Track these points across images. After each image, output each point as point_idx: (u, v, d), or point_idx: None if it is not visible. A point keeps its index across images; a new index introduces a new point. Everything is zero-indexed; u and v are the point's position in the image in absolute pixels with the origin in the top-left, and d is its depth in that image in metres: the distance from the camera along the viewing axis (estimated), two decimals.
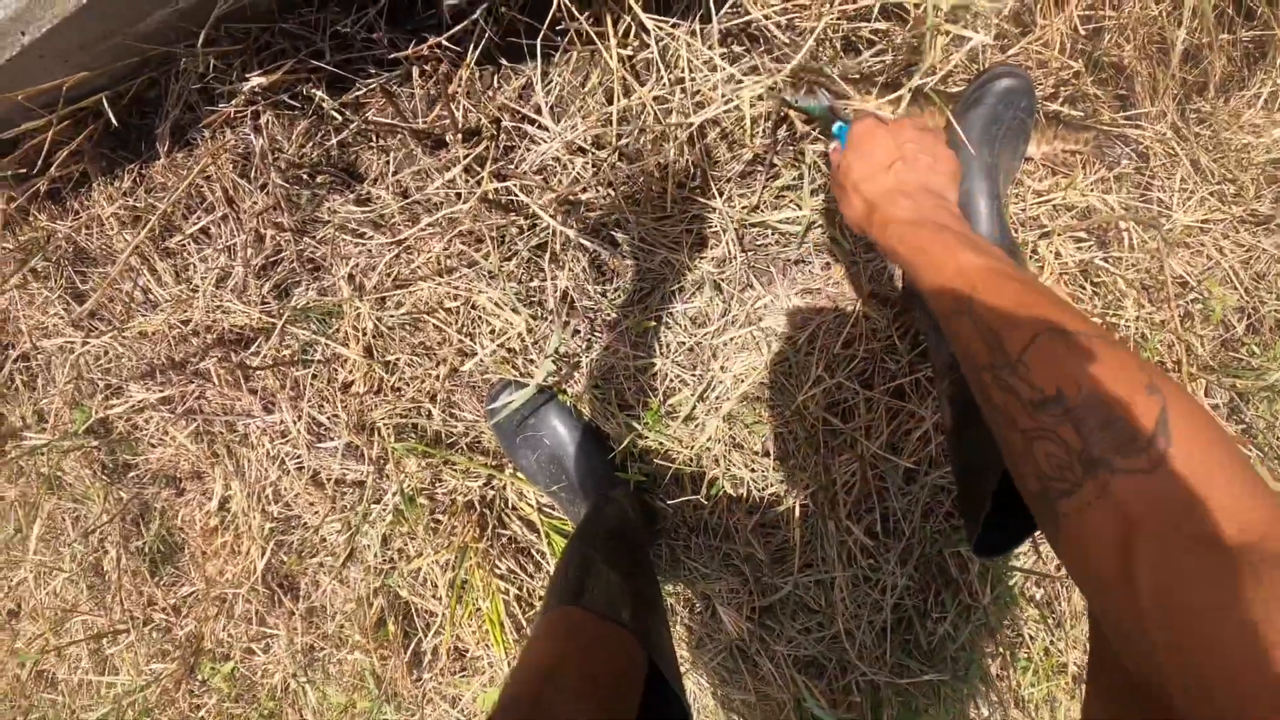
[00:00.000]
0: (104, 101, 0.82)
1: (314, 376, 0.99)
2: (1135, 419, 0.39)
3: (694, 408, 0.95)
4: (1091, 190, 0.92)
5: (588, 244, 0.87)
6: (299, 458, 1.03)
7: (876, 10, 0.81)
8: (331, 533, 1.03)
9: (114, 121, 0.83)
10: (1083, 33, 0.88)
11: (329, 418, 1.00)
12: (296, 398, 1.01)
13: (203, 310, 1.00)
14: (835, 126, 0.76)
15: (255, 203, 0.92)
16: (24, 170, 0.94)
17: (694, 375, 0.95)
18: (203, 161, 0.90)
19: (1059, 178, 0.93)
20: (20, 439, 1.21)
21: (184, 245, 1.01)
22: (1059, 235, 0.93)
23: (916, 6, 0.77)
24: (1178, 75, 0.91)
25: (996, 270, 0.52)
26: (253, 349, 1.01)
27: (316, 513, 1.03)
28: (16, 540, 1.32)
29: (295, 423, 1.00)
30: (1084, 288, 0.97)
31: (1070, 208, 0.93)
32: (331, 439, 1.00)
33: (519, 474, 0.98)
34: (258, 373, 1.02)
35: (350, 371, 0.98)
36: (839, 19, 0.82)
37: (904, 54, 0.83)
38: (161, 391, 1.07)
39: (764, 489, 0.98)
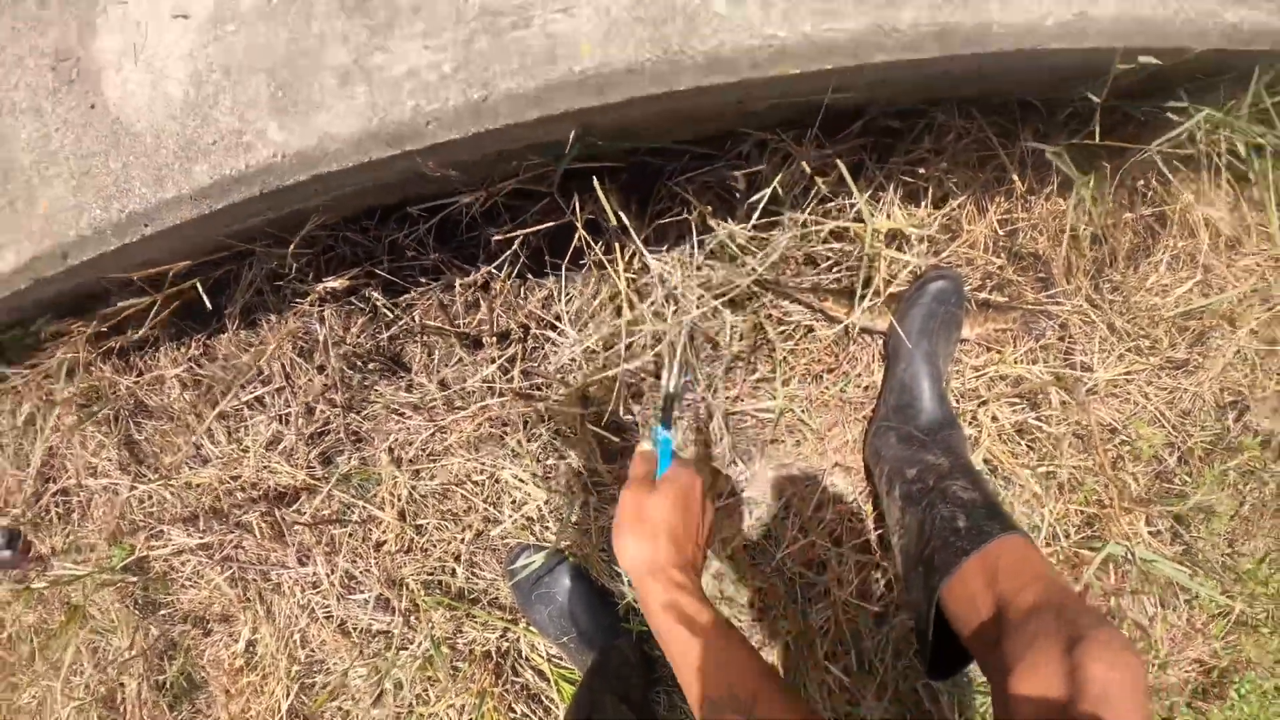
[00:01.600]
0: (198, 286, 0.97)
1: (350, 535, 1.13)
2: None
3: None
4: (1019, 362, 1.13)
5: (596, 430, 1.04)
6: (329, 607, 1.15)
7: (827, 231, 1.01)
8: (356, 677, 1.14)
9: (208, 305, 0.97)
10: (1001, 233, 1.10)
11: (361, 572, 1.12)
12: (332, 553, 1.14)
13: (252, 469, 1.13)
14: (659, 433, 0.76)
15: (312, 381, 1.07)
16: (104, 330, 1.08)
17: None
18: (271, 346, 1.05)
19: (992, 353, 1.14)
20: (49, 567, 1.30)
21: (239, 410, 1.15)
22: (995, 402, 1.13)
23: (859, 235, 0.97)
24: (1088, 255, 1.13)
25: (770, 679, 0.61)
26: (295, 507, 1.14)
27: (342, 658, 1.15)
28: (26, 664, 1.39)
29: (329, 575, 1.12)
30: (1020, 444, 1.17)
31: (1004, 377, 1.14)
32: (362, 591, 1.12)
33: (532, 627, 1.12)
34: (296, 528, 1.14)
35: (384, 532, 1.11)
36: (800, 241, 1.01)
37: (855, 269, 1.02)
38: (202, 538, 1.19)
39: (750, 637, 1.13)
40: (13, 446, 1.29)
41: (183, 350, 1.16)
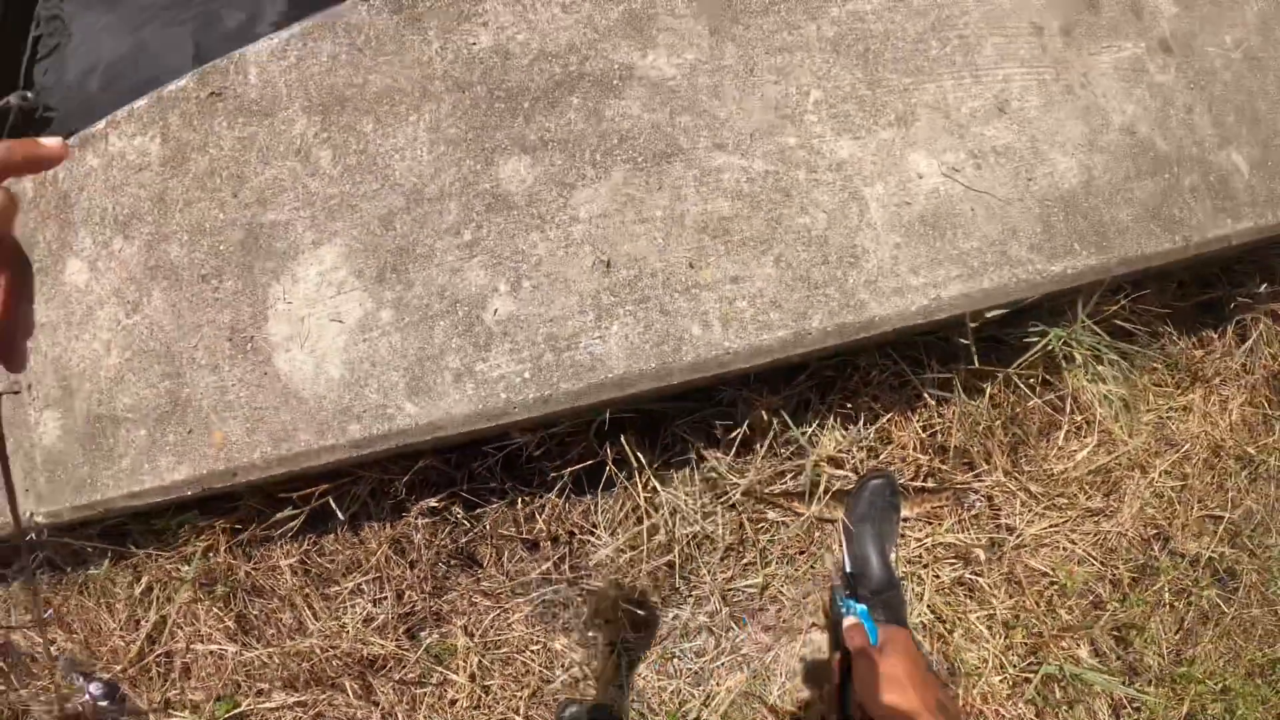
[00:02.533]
0: (331, 501, 1.32)
1: (429, 694, 1.40)
2: None
3: (700, 712, 1.36)
4: (952, 531, 1.43)
5: (627, 607, 1.34)
6: None
7: (789, 453, 1.36)
8: None
9: (340, 516, 1.31)
10: (924, 435, 1.43)
11: None
12: (412, 710, 1.40)
13: (350, 640, 1.43)
14: (855, 605, 1.13)
15: (405, 573, 1.40)
16: (239, 526, 1.42)
17: (699, 690, 1.38)
18: (374, 545, 1.39)
19: (931, 526, 1.44)
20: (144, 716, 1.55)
21: (340, 594, 1.46)
22: (935, 564, 1.42)
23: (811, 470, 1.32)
24: (1003, 439, 1.45)
25: None
26: (384, 672, 1.42)
27: None
28: None
29: None
30: (959, 595, 1.44)
31: (941, 544, 1.43)
32: None
33: None
34: (382, 690, 1.42)
35: (456, 692, 1.39)
36: (772, 461, 1.36)
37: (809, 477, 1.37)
38: (299, 696, 1.46)
39: None
40: (125, 612, 1.57)
41: (296, 545, 1.50)
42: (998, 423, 1.46)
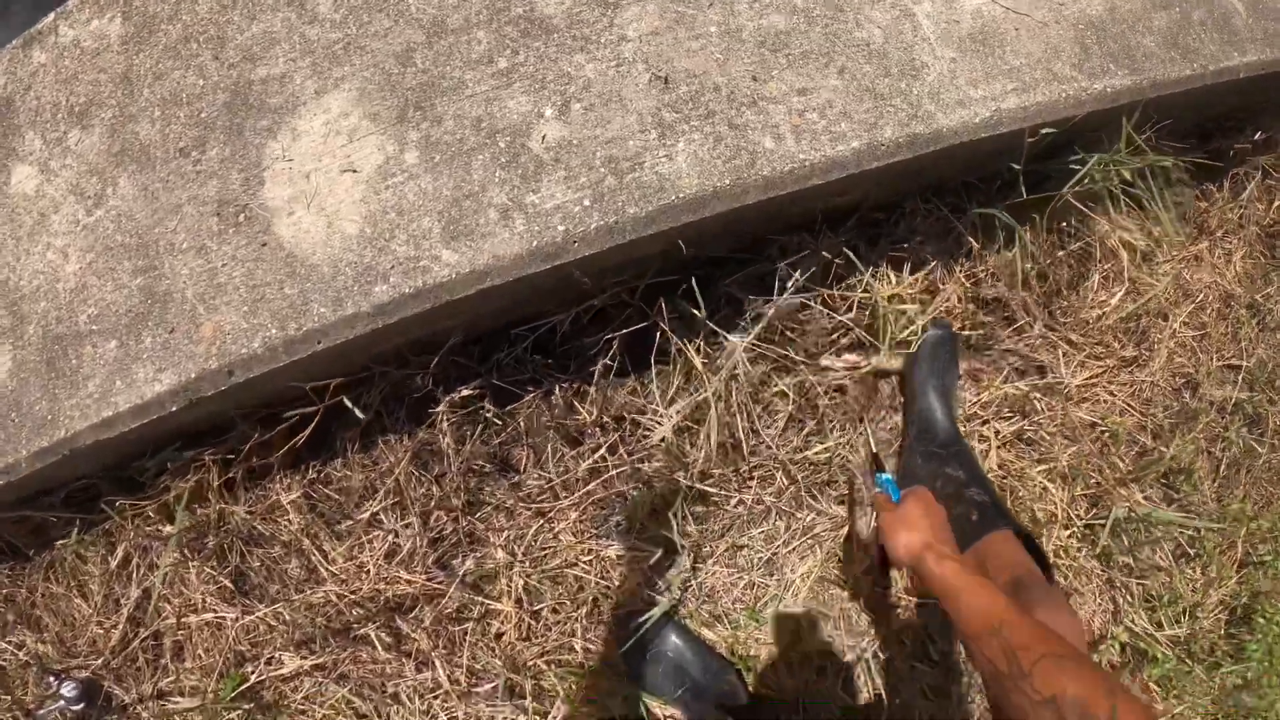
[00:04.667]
0: (346, 400, 1.14)
1: (468, 632, 1.25)
2: (1097, 713, 0.65)
3: (779, 606, 1.27)
4: (1007, 382, 1.40)
5: (700, 487, 1.24)
6: (452, 709, 1.24)
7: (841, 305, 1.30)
8: None
9: (359, 415, 1.14)
10: (968, 285, 1.40)
11: (483, 666, 1.24)
12: (451, 653, 1.25)
13: (370, 582, 1.26)
14: (881, 477, 1.15)
15: (430, 491, 1.25)
16: (230, 458, 1.23)
17: (773, 579, 1.29)
18: (392, 461, 1.23)
19: (986, 379, 1.41)
20: (135, 717, 1.32)
21: (353, 529, 1.30)
22: (994, 420, 1.39)
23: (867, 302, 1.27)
24: (1037, 290, 1.44)
25: (1015, 610, 0.78)
26: (414, 614, 1.26)
27: None
28: None
29: (449, 676, 1.23)
30: (1021, 447, 1.42)
31: (998, 399, 1.40)
32: (487, 683, 1.23)
33: (649, 692, 1.24)
34: (412, 636, 1.26)
35: (502, 623, 1.24)
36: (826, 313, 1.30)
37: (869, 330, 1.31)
38: (317, 659, 1.28)
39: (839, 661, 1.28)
40: (101, 593, 1.34)
41: (299, 477, 1.32)
42: (1033, 271, 1.45)
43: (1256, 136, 1.64)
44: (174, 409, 1.03)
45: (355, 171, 1.00)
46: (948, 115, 1.07)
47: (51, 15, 1.17)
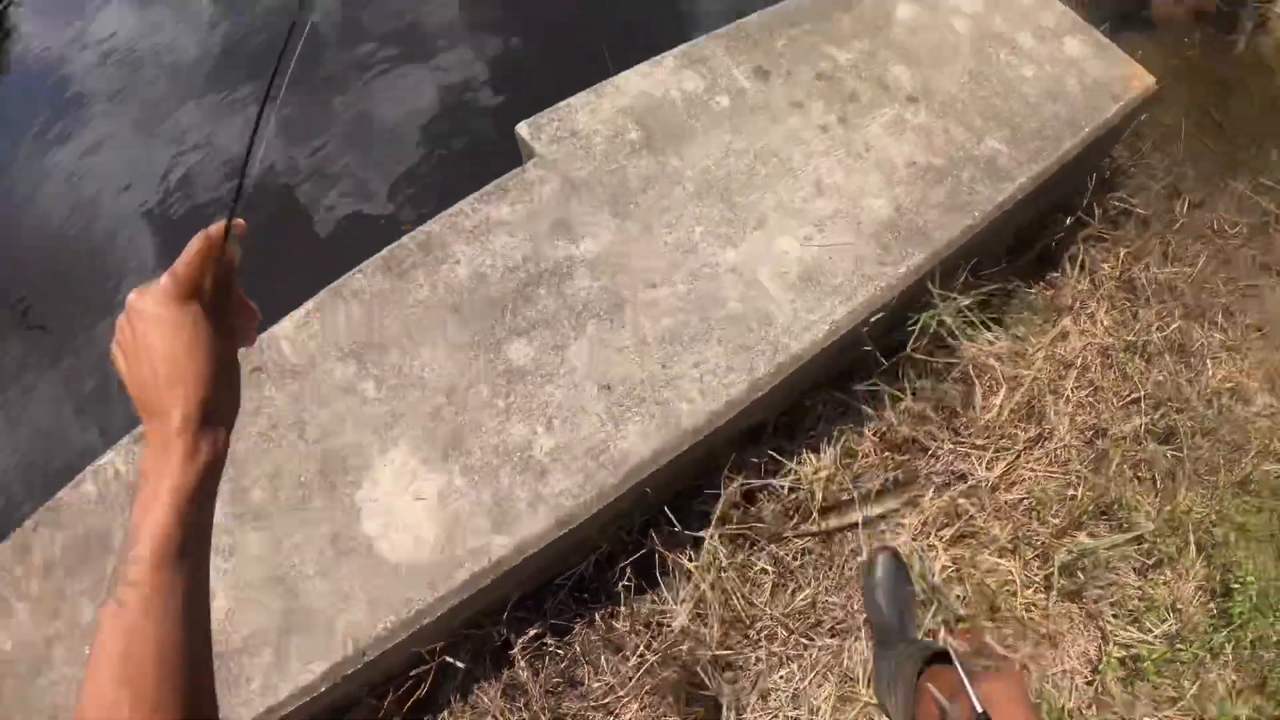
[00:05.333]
0: (447, 657, 1.54)
1: None
2: None
3: None
4: (936, 499, 1.80)
5: (714, 654, 1.60)
6: None
7: (789, 491, 1.74)
8: None
9: (460, 665, 1.53)
10: (878, 442, 1.84)
11: None
12: None
13: None
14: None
15: (522, 714, 1.61)
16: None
17: (801, 710, 1.61)
18: (495, 702, 1.60)
19: (919, 506, 1.80)
20: None
21: None
22: (934, 532, 1.77)
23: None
24: (935, 420, 1.87)
25: None
26: None
27: None
28: None
29: None
30: (965, 542, 1.78)
31: (932, 514, 1.79)
32: None
33: None
34: None
35: None
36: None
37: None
38: None
39: None
40: None
41: None
42: (928, 407, 1.91)
43: (1068, 221, 2.17)
44: (323, 689, 1.43)
45: (423, 499, 1.47)
46: (799, 341, 1.57)
47: None
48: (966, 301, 1.79)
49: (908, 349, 1.77)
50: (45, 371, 2.53)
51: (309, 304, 1.65)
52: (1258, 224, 2.65)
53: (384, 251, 1.68)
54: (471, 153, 2.83)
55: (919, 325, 1.77)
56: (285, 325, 1.64)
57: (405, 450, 1.51)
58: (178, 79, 3.02)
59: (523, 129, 1.81)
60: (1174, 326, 2.25)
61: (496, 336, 1.57)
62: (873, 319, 1.66)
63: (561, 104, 1.84)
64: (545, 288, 1.62)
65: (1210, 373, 2.19)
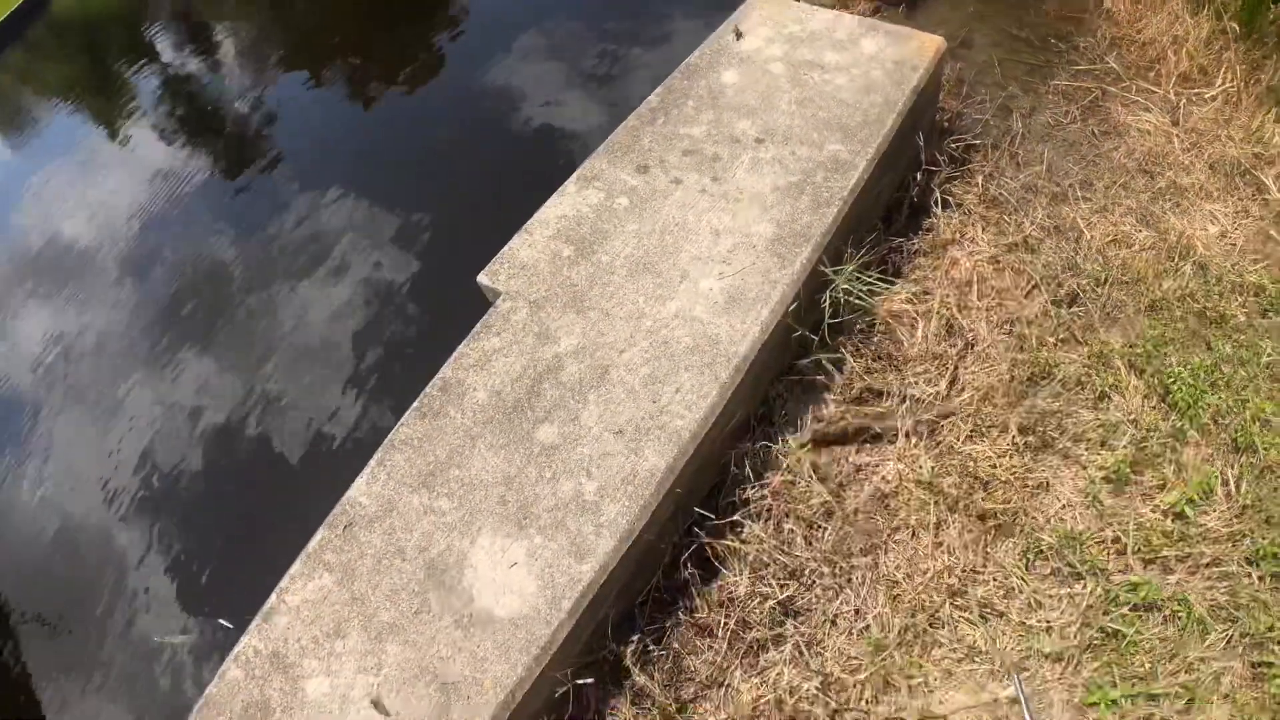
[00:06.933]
0: (578, 681, 1.93)
1: None
2: None
3: None
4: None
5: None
6: None
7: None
8: None
9: (589, 681, 1.92)
10: (845, 400, 2.31)
11: None
12: None
13: None
14: None
15: (648, 713, 1.98)
16: None
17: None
18: (625, 706, 1.98)
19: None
20: None
21: None
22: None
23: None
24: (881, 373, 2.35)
25: None
26: None
27: None
28: None
29: None
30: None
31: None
32: None
33: None
34: None
35: None
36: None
37: None
38: None
39: None
40: None
41: None
42: (868, 360, 2.38)
43: (918, 176, 2.72)
44: None
45: (517, 563, 1.91)
46: (742, 346, 2.07)
47: (274, 595, 2.08)
48: (852, 268, 2.31)
49: (827, 322, 2.27)
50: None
51: (371, 463, 2.13)
52: (1088, 104, 3.23)
53: (415, 404, 2.19)
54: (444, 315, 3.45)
55: (827, 300, 2.28)
56: (359, 484, 2.11)
57: (489, 535, 1.96)
58: None
59: (483, 278, 2.36)
60: (1042, 213, 2.78)
61: (525, 429, 2.06)
62: (790, 309, 2.17)
63: (504, 249, 2.41)
64: (547, 383, 2.12)
65: (1088, 236, 2.70)
